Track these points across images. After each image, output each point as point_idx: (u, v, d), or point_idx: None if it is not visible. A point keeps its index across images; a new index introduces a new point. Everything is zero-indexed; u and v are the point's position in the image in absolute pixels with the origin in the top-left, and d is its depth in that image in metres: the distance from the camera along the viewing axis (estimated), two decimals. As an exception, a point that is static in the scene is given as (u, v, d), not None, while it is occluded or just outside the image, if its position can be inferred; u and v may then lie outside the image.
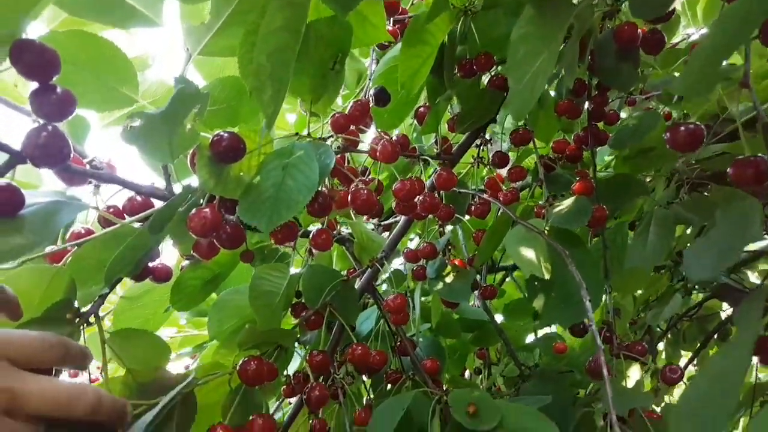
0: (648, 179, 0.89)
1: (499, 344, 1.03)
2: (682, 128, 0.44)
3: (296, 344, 0.70)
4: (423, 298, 0.84)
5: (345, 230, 0.74)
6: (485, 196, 0.63)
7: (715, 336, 1.40)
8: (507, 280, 1.26)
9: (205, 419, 0.59)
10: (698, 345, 1.40)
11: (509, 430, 0.55)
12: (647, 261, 0.59)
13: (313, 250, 0.71)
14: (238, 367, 0.52)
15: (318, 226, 0.59)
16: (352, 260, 0.72)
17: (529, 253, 0.51)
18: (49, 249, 0.51)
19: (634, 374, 0.73)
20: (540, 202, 0.61)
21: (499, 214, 0.60)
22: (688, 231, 1.14)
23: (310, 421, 0.69)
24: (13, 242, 0.39)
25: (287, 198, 0.43)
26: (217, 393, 0.58)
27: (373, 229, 0.78)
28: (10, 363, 0.37)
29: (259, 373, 0.51)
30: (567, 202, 0.56)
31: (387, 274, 0.81)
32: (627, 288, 0.73)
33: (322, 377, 0.62)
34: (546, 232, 0.54)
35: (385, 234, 0.83)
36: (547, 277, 0.51)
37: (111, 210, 0.52)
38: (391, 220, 0.80)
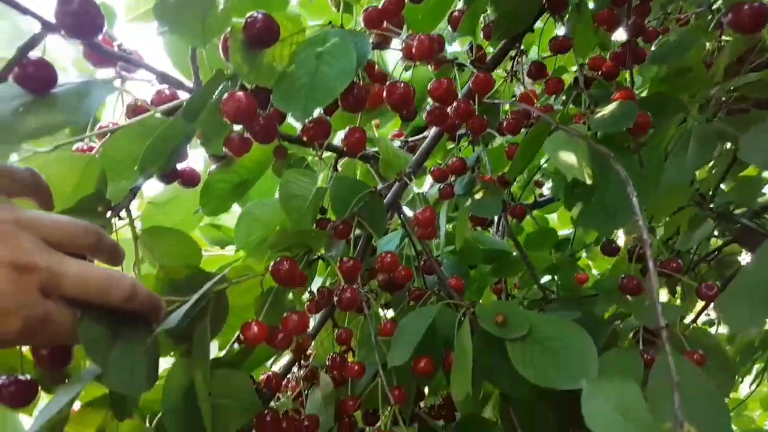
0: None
1: (517, 277, 1.03)
2: (746, 6, 0.42)
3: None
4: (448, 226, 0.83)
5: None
6: (522, 104, 0.61)
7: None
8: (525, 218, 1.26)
9: (236, 322, 0.60)
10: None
11: (539, 338, 0.55)
12: (686, 174, 0.57)
13: (339, 166, 0.71)
14: (270, 267, 0.51)
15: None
16: (377, 178, 0.71)
17: (569, 158, 0.50)
18: (78, 145, 0.51)
19: (662, 298, 0.72)
20: (580, 111, 0.59)
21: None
22: (713, 171, 1.12)
23: (336, 332, 0.70)
24: (47, 119, 0.39)
25: (323, 84, 0.42)
26: (249, 296, 0.58)
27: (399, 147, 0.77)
28: (45, 243, 0.37)
29: (292, 272, 0.51)
30: (609, 107, 0.54)
31: (410, 196, 0.80)
32: (663, 210, 0.72)
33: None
34: (586, 139, 0.53)
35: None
36: (589, 181, 0.49)
37: (139, 103, 0.50)
38: (419, 136, 0.78)
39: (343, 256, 0.58)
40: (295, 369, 0.78)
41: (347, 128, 0.53)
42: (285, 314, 0.51)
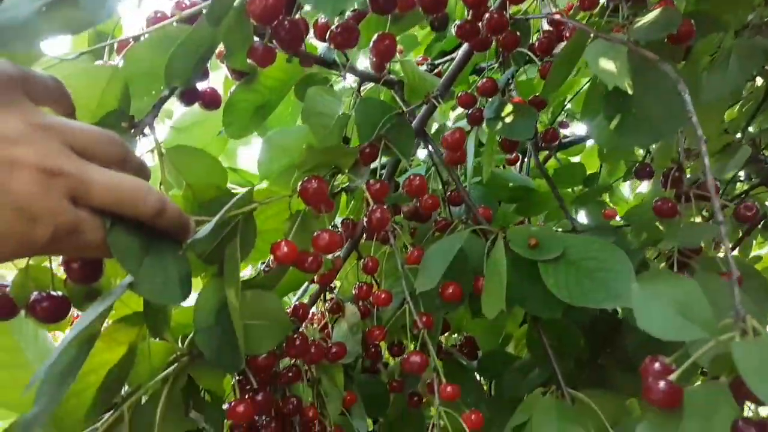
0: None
1: (541, 216, 1.01)
2: None
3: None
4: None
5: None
6: (557, 17, 0.58)
7: (760, 225, 1.37)
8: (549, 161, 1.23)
9: (265, 247, 0.60)
10: (740, 234, 1.38)
11: (574, 259, 0.54)
12: (726, 86, 0.55)
13: (362, 90, 0.69)
14: (299, 186, 0.50)
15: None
16: (402, 104, 0.69)
17: (609, 65, 0.47)
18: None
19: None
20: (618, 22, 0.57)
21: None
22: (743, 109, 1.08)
23: (362, 261, 0.70)
24: (70, 17, 0.37)
25: (353, -19, 0.40)
26: (276, 220, 0.58)
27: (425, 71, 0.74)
28: (72, 150, 0.36)
29: (321, 191, 0.50)
30: (651, 15, 0.51)
31: (434, 129, 0.79)
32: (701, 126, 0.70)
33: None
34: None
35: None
36: (630, 91, 0.47)
37: (159, 15, 0.49)
38: (445, 59, 0.75)
39: (371, 175, 0.57)
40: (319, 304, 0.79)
41: (376, 35, 0.50)
42: (315, 233, 0.50)
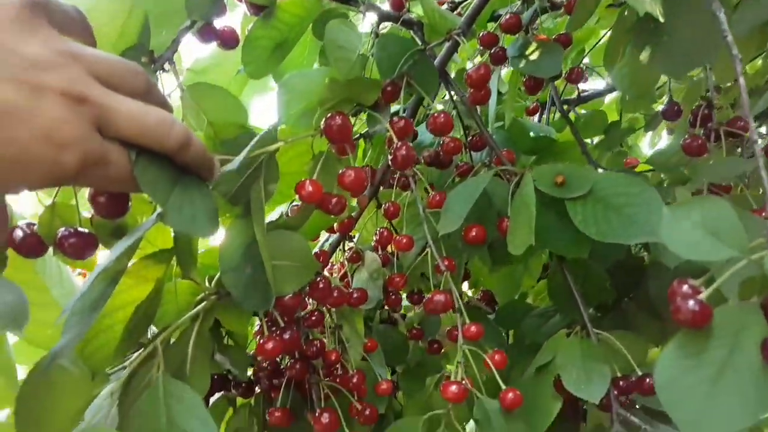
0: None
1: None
2: None
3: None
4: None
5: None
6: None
7: None
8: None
9: (288, 190, 0.59)
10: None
11: (602, 196, 0.54)
12: (759, 17, 0.53)
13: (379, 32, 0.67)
14: (323, 124, 0.50)
15: None
16: (421, 45, 0.67)
17: (641, -9, 0.46)
18: None
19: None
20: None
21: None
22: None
23: (383, 206, 0.70)
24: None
25: None
26: (298, 163, 0.58)
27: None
28: (96, 79, 0.36)
29: (345, 128, 0.49)
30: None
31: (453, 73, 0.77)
32: (729, 70, 0.68)
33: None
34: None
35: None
36: (661, 19, 0.46)
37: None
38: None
39: (394, 114, 0.56)
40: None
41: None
42: (341, 170, 0.50)
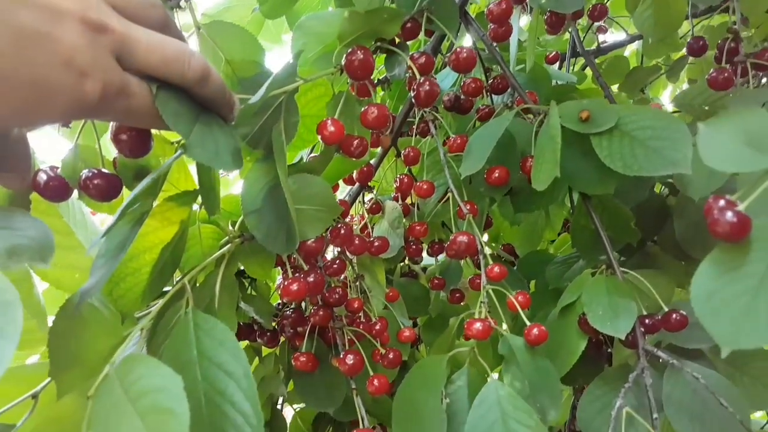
0: None
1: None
2: None
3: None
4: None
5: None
6: None
7: None
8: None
9: (307, 135, 0.59)
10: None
11: (628, 130, 0.52)
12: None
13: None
14: (344, 59, 0.49)
15: None
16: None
17: None
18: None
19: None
20: None
21: None
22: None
23: (403, 152, 0.69)
24: None
25: None
26: (317, 106, 0.57)
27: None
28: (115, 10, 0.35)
29: (367, 63, 0.48)
30: None
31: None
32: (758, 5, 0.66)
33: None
34: None
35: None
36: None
37: None
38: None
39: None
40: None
41: None
42: (363, 108, 0.49)
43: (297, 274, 0.57)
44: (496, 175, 0.60)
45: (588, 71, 1.16)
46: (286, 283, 0.52)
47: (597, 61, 1.03)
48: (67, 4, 0.31)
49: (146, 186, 0.43)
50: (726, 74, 0.59)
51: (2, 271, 0.29)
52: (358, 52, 0.48)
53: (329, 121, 0.49)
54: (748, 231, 0.33)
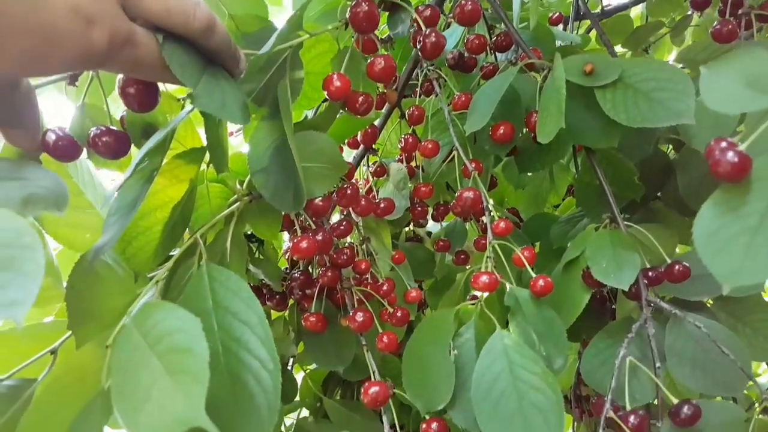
0: None
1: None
2: None
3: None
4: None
5: None
6: None
7: None
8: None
9: (313, 93, 0.59)
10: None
11: (632, 82, 0.53)
12: None
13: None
14: (348, 12, 0.49)
15: None
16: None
17: None
18: None
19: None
20: None
21: None
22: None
23: (407, 112, 0.70)
24: None
25: None
26: (321, 62, 0.57)
27: None
28: None
29: (372, 15, 0.48)
30: None
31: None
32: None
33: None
34: None
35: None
36: None
37: None
38: None
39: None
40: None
41: None
42: (369, 59, 0.50)
43: (306, 233, 0.59)
44: (501, 131, 0.60)
45: (592, 34, 1.15)
46: (295, 240, 0.53)
47: (601, 23, 1.02)
48: None
49: (155, 143, 0.44)
50: (730, 26, 0.59)
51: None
52: (363, 3, 0.48)
53: (335, 76, 0.50)
54: (749, 170, 0.34)
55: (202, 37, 0.39)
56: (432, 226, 0.89)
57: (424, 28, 0.50)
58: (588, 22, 1.15)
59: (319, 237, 0.56)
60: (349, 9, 0.49)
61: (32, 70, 0.33)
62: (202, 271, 0.42)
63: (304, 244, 0.53)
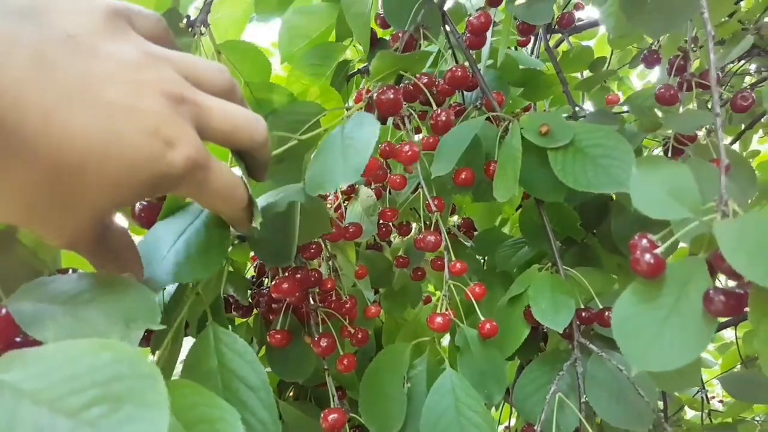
0: None
1: (547, 101, 1.06)
2: None
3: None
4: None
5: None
6: None
7: (762, 119, 1.38)
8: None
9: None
10: (743, 127, 1.38)
11: (581, 147, 0.60)
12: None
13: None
14: (375, 96, 0.53)
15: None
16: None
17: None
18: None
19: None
20: None
21: None
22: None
23: (381, 146, 0.75)
24: None
25: None
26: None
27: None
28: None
29: (397, 102, 0.53)
30: None
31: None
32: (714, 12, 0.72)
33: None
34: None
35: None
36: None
37: None
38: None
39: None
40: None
41: None
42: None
43: (285, 274, 0.64)
44: (463, 176, 0.66)
45: (563, 47, 1.21)
46: (277, 281, 0.58)
47: (564, 48, 1.08)
48: (147, 76, 0.32)
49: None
50: (672, 92, 0.66)
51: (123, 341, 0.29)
52: (389, 92, 0.53)
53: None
54: (662, 271, 0.41)
55: (260, 151, 0.40)
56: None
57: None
58: (559, 36, 1.21)
59: (299, 275, 0.62)
60: (375, 93, 0.53)
61: (117, 199, 0.32)
62: (208, 332, 0.46)
63: (285, 285, 0.58)
